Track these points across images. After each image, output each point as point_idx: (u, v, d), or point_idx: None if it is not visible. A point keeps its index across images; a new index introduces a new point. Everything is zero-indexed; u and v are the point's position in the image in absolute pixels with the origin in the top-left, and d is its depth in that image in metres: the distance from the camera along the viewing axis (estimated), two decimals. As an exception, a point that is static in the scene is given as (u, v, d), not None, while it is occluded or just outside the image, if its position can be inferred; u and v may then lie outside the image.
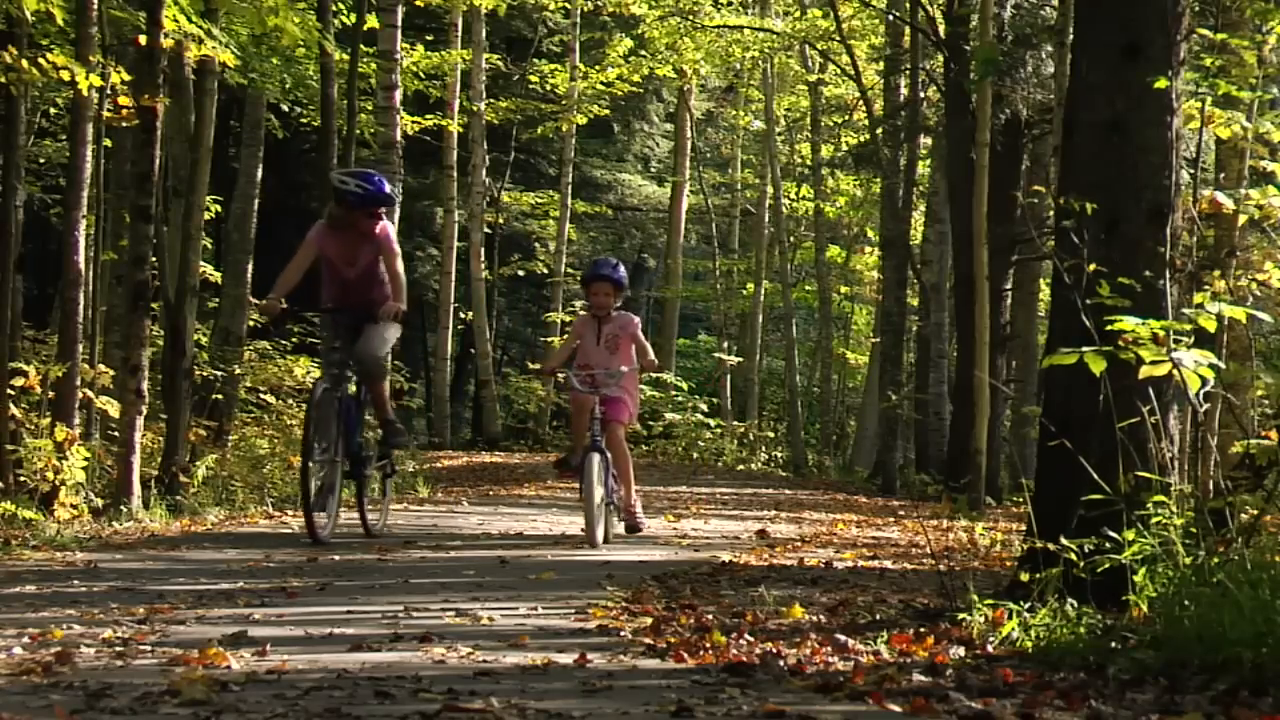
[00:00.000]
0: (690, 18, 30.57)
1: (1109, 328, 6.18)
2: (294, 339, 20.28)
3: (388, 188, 10.76)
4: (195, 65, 15.56)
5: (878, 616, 6.79)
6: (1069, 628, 5.65)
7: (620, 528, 11.19)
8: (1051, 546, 6.14)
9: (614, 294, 11.10)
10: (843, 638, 5.89)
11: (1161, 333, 6.10)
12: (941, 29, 21.48)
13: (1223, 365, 6.42)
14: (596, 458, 10.51)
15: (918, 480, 23.23)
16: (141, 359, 13.11)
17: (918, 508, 18.10)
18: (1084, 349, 6.11)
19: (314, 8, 17.82)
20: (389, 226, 10.73)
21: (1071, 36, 10.41)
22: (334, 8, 18.50)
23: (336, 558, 9.53)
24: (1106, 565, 5.90)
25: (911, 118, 24.38)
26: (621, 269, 11.26)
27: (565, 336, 10.39)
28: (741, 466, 29.78)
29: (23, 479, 11.98)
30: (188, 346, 14.22)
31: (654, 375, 35.69)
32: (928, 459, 23.83)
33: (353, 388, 10.71)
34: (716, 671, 5.06)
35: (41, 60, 12.15)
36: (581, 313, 11.57)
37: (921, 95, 24.48)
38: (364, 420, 11.11)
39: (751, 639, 5.91)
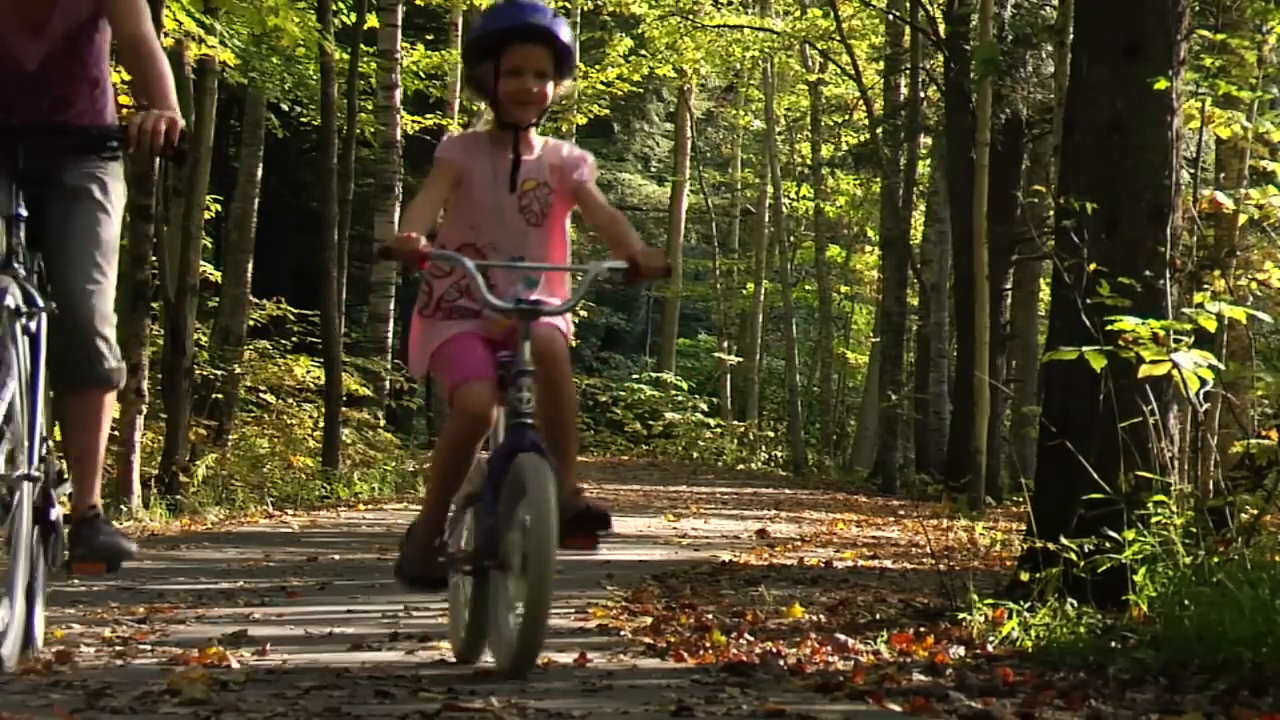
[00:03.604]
0: (690, 17, 30.58)
1: (1109, 327, 6.18)
2: (294, 338, 20.28)
3: None
4: (195, 65, 15.56)
5: (878, 616, 6.79)
6: (1069, 627, 5.65)
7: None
8: (1051, 546, 6.14)
9: (552, 76, 5.07)
10: (843, 637, 5.88)
11: (1161, 333, 6.11)
12: (941, 29, 21.48)
13: (1223, 365, 6.42)
14: (531, 463, 4.70)
15: (918, 480, 23.23)
16: (141, 358, 13.12)
17: (918, 507, 18.10)
18: (1084, 347, 6.11)
19: (314, 8, 17.83)
20: None
21: (1071, 36, 10.40)
22: (334, 7, 18.50)
23: (337, 557, 9.53)
24: (1106, 565, 5.90)
25: (911, 117, 24.38)
26: (566, 25, 5.12)
27: (427, 184, 5.17)
28: (741, 466, 29.79)
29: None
30: (188, 346, 14.22)
31: (653, 373, 35.88)
32: (928, 459, 23.82)
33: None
34: (716, 671, 5.05)
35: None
36: (470, 129, 5.49)
37: (921, 95, 24.49)
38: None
39: (751, 638, 5.91)
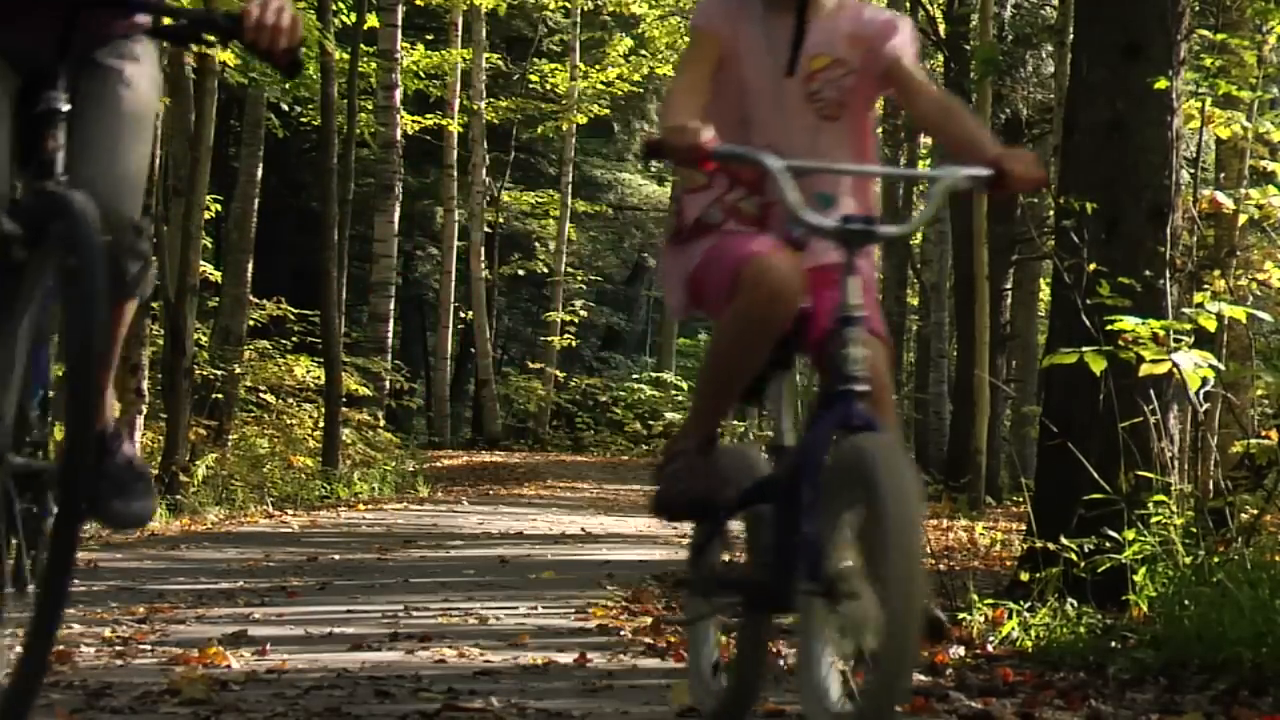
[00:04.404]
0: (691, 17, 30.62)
1: (1109, 327, 6.18)
2: (294, 338, 20.28)
3: None
4: (195, 65, 15.55)
5: (878, 616, 6.78)
6: (1069, 627, 5.65)
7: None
8: (1051, 546, 6.14)
9: None
10: (843, 637, 5.87)
11: (1161, 332, 6.11)
12: (941, 29, 21.49)
13: (1223, 365, 6.42)
14: (874, 445, 3.26)
15: (917, 480, 23.22)
16: (141, 358, 13.12)
17: (917, 507, 18.07)
18: (1084, 349, 6.12)
19: (314, 7, 17.82)
20: None
21: (1071, 36, 10.40)
22: (334, 7, 18.50)
23: (337, 557, 9.53)
24: (1106, 565, 5.90)
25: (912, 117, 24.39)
26: None
27: (685, 61, 3.71)
28: (741, 466, 29.79)
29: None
30: (188, 346, 14.21)
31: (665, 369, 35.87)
32: (928, 459, 23.82)
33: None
34: (716, 671, 5.04)
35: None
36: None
37: (921, 95, 24.49)
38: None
39: (751, 639, 5.89)
